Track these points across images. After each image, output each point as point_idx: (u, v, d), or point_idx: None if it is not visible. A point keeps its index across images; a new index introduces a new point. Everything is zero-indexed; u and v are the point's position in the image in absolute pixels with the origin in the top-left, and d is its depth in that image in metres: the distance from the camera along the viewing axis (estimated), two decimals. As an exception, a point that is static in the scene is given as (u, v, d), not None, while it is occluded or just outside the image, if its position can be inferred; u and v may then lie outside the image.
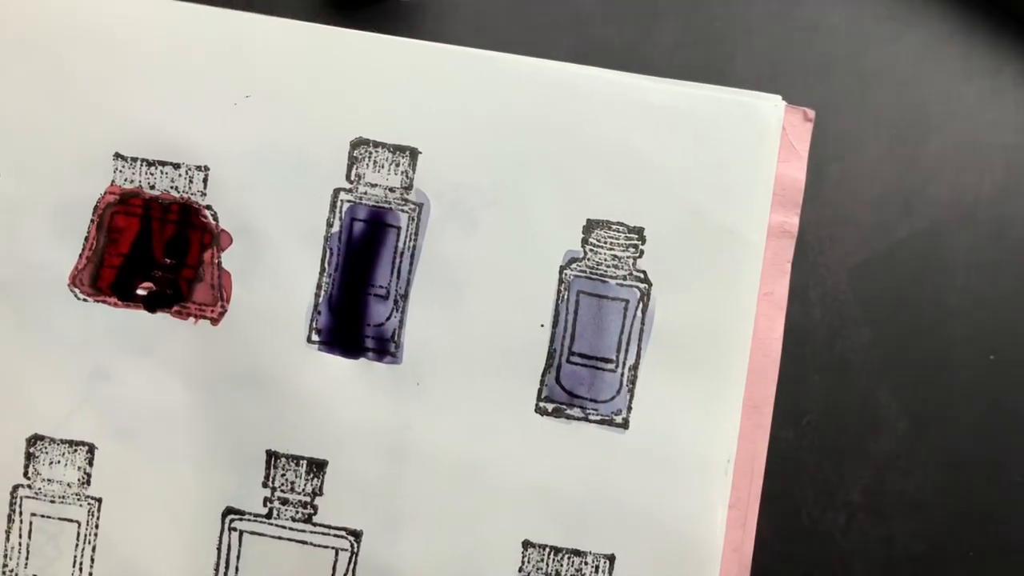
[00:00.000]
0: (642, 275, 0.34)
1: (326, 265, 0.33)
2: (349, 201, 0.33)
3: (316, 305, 0.33)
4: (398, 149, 0.33)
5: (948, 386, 0.37)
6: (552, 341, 0.34)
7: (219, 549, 0.33)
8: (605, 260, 0.34)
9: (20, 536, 0.34)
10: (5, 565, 0.34)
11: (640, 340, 0.34)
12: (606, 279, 0.34)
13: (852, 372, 0.37)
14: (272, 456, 0.33)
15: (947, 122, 0.38)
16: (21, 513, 0.34)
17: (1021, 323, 0.37)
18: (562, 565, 0.34)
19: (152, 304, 0.33)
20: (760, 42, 0.37)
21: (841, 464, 0.36)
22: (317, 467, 0.33)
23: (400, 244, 0.33)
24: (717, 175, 0.34)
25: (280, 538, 0.33)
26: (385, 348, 0.33)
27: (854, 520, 0.37)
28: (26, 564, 0.34)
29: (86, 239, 0.33)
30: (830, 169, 0.37)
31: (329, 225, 0.33)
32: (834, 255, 0.37)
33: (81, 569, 0.34)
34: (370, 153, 0.33)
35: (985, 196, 0.38)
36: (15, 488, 0.33)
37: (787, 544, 0.36)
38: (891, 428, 0.37)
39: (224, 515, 0.33)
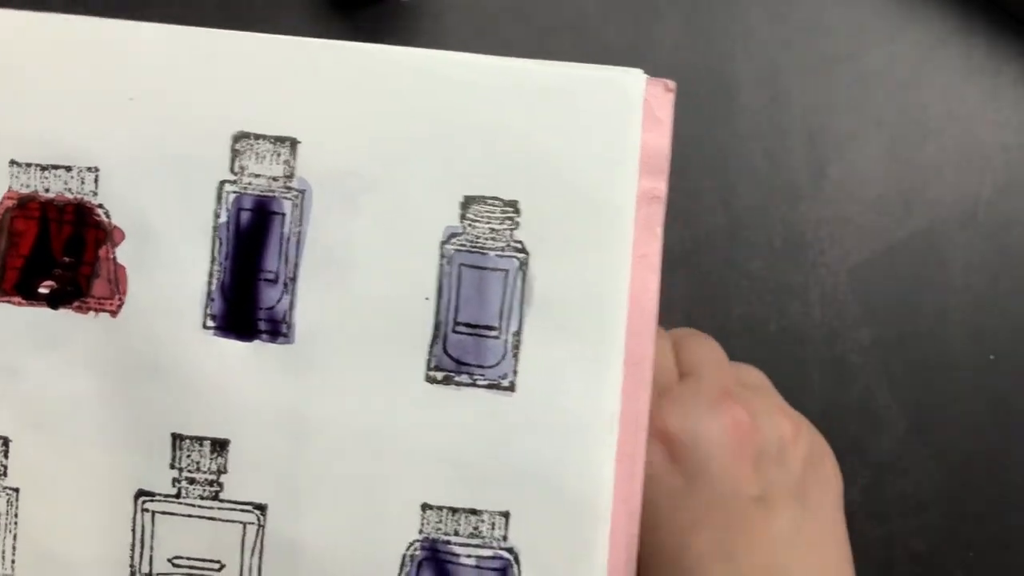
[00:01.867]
0: (519, 245, 0.35)
1: (216, 254, 0.35)
2: (234, 192, 0.35)
3: (209, 292, 0.35)
4: (278, 140, 0.35)
5: (948, 386, 0.37)
6: (437, 313, 0.35)
7: (133, 530, 0.35)
8: (483, 234, 0.35)
9: (-56, 530, 0.35)
10: (-68, 559, 0.35)
11: (521, 307, 0.35)
12: (485, 251, 0.35)
13: (852, 372, 0.38)
14: (177, 438, 0.35)
15: (947, 122, 0.38)
16: (-57, 508, 0.35)
17: (1021, 323, 0.38)
18: (460, 524, 0.35)
19: (55, 301, 0.35)
20: (760, 42, 0.38)
21: (841, 464, 0.37)
22: (220, 446, 0.35)
23: (286, 230, 0.35)
24: (585, 147, 0.36)
25: (190, 516, 0.35)
26: (277, 330, 0.35)
27: (854, 520, 0.37)
28: (-49, 557, 0.35)
29: (-12, 244, 0.35)
30: (830, 169, 0.38)
31: (217, 216, 0.35)
32: (834, 255, 0.38)
33: (3, 557, 0.35)
34: (252, 145, 0.35)
35: (985, 196, 0.39)
36: (-63, 485, 0.35)
37: None
38: (891, 428, 0.38)
39: (136, 497, 0.35)
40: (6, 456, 0.35)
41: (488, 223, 0.35)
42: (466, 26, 0.38)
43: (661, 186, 0.36)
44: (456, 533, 0.35)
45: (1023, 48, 0.39)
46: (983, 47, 0.39)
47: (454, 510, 0.35)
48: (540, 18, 0.38)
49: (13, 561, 0.35)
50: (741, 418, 0.36)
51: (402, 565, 0.35)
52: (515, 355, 0.35)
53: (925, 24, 0.39)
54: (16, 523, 0.35)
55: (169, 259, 0.35)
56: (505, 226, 0.35)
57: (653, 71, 0.36)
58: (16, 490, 0.35)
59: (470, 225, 0.35)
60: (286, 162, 0.35)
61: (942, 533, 0.37)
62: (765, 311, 0.37)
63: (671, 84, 0.36)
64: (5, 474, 0.35)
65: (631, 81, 0.36)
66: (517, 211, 0.35)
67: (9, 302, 0.35)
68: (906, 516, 0.37)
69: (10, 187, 0.35)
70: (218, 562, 0.35)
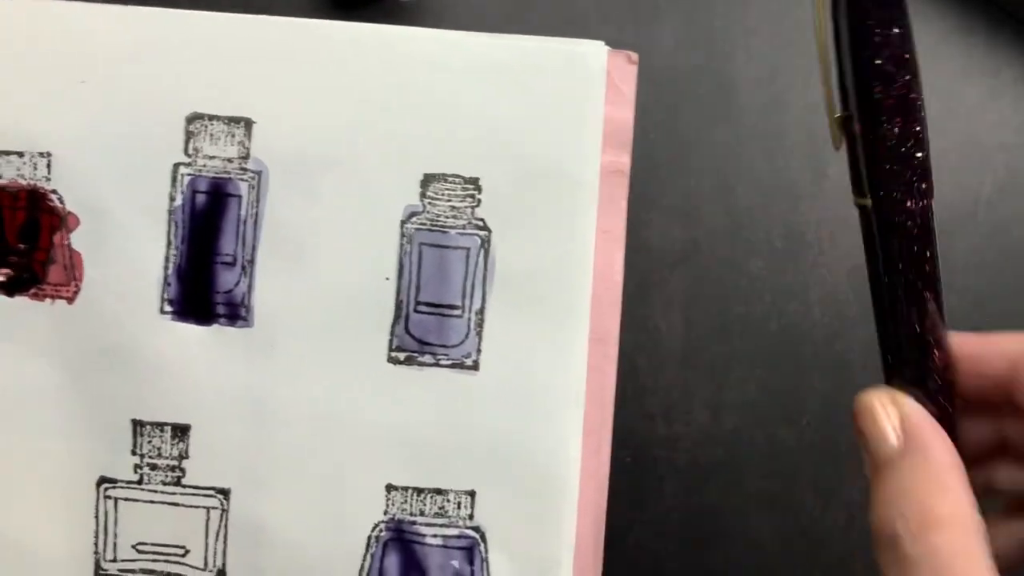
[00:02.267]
0: (481, 223, 0.35)
1: (172, 238, 0.35)
2: (189, 174, 0.35)
3: (166, 277, 0.35)
4: (232, 120, 0.35)
5: None
6: (398, 293, 0.35)
7: (96, 518, 0.35)
8: (444, 212, 0.35)
9: (-94, 522, 0.35)
10: None
11: (484, 285, 0.35)
12: (446, 229, 0.35)
13: (852, 372, 0.37)
14: (137, 424, 0.35)
15: (947, 122, 0.38)
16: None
17: (1021, 323, 0.38)
18: (425, 504, 0.35)
19: (11, 289, 0.35)
20: (760, 42, 0.38)
21: (841, 464, 0.37)
22: (181, 432, 0.35)
23: (242, 212, 0.35)
24: (546, 121, 0.35)
25: (152, 502, 0.35)
26: (236, 313, 0.35)
27: (854, 520, 0.37)
28: (-84, 549, 0.35)
29: (-60, 232, 0.35)
30: (830, 169, 0.38)
31: (172, 199, 0.35)
32: (834, 255, 0.38)
33: (-29, 551, 0.35)
34: (206, 127, 0.35)
35: (985, 196, 0.38)
36: None
37: (787, 544, 0.36)
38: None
39: (98, 484, 0.35)
40: (-34, 448, 0.35)
41: (449, 201, 0.35)
42: (464, 26, 0.37)
43: (624, 159, 0.36)
44: (422, 513, 0.35)
45: (1023, 48, 0.39)
46: (983, 47, 0.39)
47: (419, 490, 0.35)
48: (540, 18, 0.38)
49: (-22, 554, 0.35)
50: None
51: (368, 546, 0.35)
52: (479, 334, 0.35)
53: (925, 24, 0.39)
54: (-21, 516, 0.35)
55: (124, 244, 0.35)
56: (466, 204, 0.35)
57: (653, 71, 0.35)
58: (-23, 482, 0.35)
59: (430, 203, 0.35)
60: (241, 143, 0.35)
61: None
62: (765, 311, 0.37)
63: (634, 56, 0.36)
64: (-34, 466, 0.35)
65: (593, 53, 0.35)
66: (478, 188, 0.35)
67: (-37, 290, 0.35)
68: None
69: (-39, 174, 0.35)
70: (182, 547, 0.35)
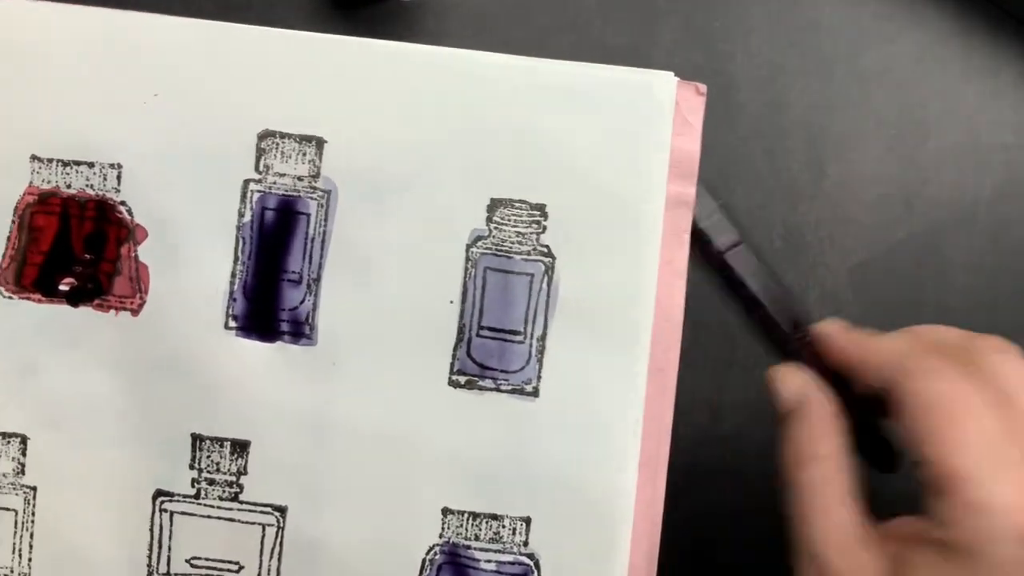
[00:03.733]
0: (546, 249, 0.35)
1: (239, 254, 0.35)
2: (259, 191, 0.35)
3: (231, 292, 0.35)
4: (304, 139, 0.35)
5: None
6: (462, 316, 0.35)
7: (151, 530, 0.35)
8: (510, 237, 0.35)
9: (-40, 527, 0.35)
10: (-53, 555, 0.35)
11: (546, 311, 0.35)
12: (511, 255, 0.35)
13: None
14: (197, 439, 0.35)
15: (947, 122, 0.38)
16: (-41, 505, 0.35)
17: (1021, 323, 0.38)
18: (480, 529, 0.35)
19: (74, 299, 0.35)
20: (760, 42, 0.38)
21: None
22: (240, 448, 0.35)
23: (310, 230, 0.35)
24: (614, 150, 0.35)
25: (208, 517, 0.35)
26: (300, 331, 0.35)
27: None
28: (-32, 553, 0.35)
29: (8, 239, 0.35)
30: (830, 169, 0.38)
31: (240, 215, 0.35)
32: (834, 255, 0.38)
33: (21, 555, 0.35)
34: (277, 144, 0.35)
35: (985, 196, 0.38)
36: (-47, 482, 0.35)
37: (787, 544, 0.36)
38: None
39: (155, 497, 0.35)
40: (24, 454, 0.35)
41: (515, 226, 0.35)
42: (466, 26, 0.37)
43: (689, 191, 0.36)
44: (477, 538, 0.35)
45: (1023, 48, 0.39)
46: (983, 47, 0.39)
47: (475, 515, 0.35)
48: (540, 18, 0.38)
49: (30, 559, 0.35)
50: None
51: (422, 569, 0.35)
52: (540, 360, 0.35)
53: (925, 24, 0.39)
54: (33, 521, 0.35)
55: (192, 258, 0.35)
56: (532, 230, 0.35)
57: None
58: (33, 488, 0.35)
59: (497, 228, 0.35)
60: (312, 161, 0.35)
61: None
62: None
63: (702, 88, 0.36)
64: (23, 472, 0.35)
65: (662, 84, 0.35)
66: (544, 215, 0.35)
67: (28, 299, 0.35)
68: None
69: (31, 182, 0.35)
70: (236, 563, 0.35)
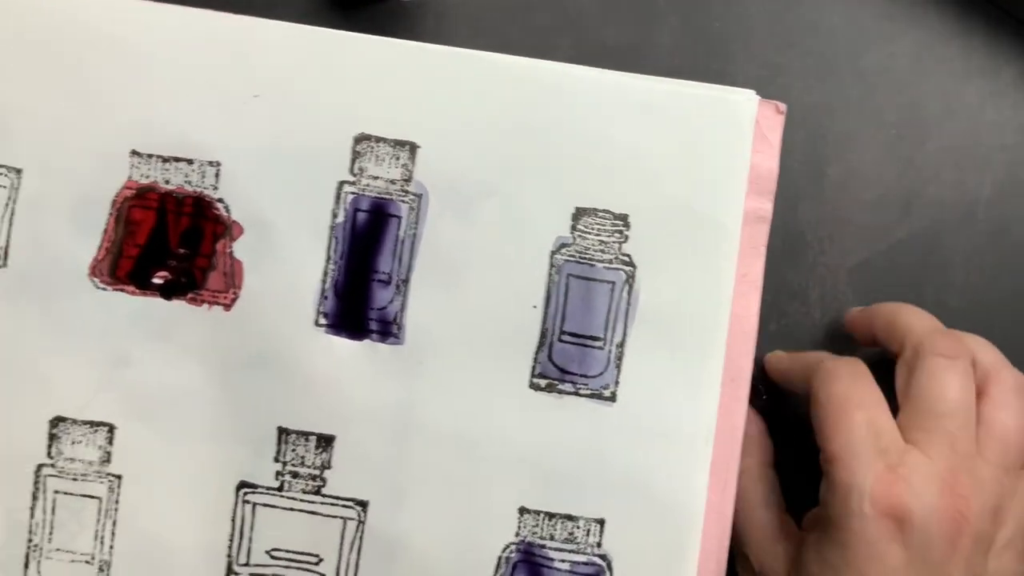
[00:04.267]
0: (627, 258, 0.36)
1: (332, 253, 0.36)
2: (353, 193, 0.36)
3: (323, 291, 0.36)
4: (398, 144, 0.36)
5: None
6: (544, 321, 0.36)
7: (233, 520, 0.36)
8: (593, 245, 0.36)
9: (44, 512, 0.36)
10: (30, 540, 0.36)
11: (626, 319, 0.36)
12: (594, 263, 0.36)
13: None
14: (283, 432, 0.36)
15: (947, 122, 0.38)
16: (45, 491, 0.35)
17: (1021, 323, 0.38)
18: (556, 529, 0.36)
19: (168, 292, 0.35)
20: (760, 42, 0.38)
21: None
22: (326, 442, 0.36)
23: (401, 233, 0.36)
24: (696, 165, 0.36)
25: (291, 509, 0.36)
26: (388, 330, 0.36)
27: None
28: (50, 539, 0.36)
29: (104, 232, 0.35)
30: (830, 169, 0.38)
31: (334, 216, 0.36)
32: (834, 255, 0.38)
33: (103, 542, 0.36)
34: (372, 148, 0.36)
35: (985, 196, 0.39)
36: (39, 467, 0.35)
37: None
38: None
39: (238, 488, 0.36)
40: (111, 443, 0.36)
41: (598, 235, 0.36)
42: (466, 26, 0.38)
43: (767, 207, 0.37)
44: (552, 537, 0.36)
45: (1023, 48, 0.40)
46: (983, 47, 0.39)
47: (551, 515, 0.36)
48: (540, 18, 0.38)
49: (111, 547, 0.36)
50: (963, 508, 0.34)
51: (497, 566, 0.36)
52: (618, 366, 0.36)
53: (925, 24, 0.39)
54: (116, 509, 0.36)
55: (285, 256, 0.35)
56: (614, 239, 0.36)
57: (653, 71, 0.36)
58: (119, 477, 0.36)
59: (580, 236, 0.36)
60: (404, 166, 0.36)
61: None
62: (765, 311, 0.37)
63: (782, 107, 0.37)
64: (108, 460, 0.36)
65: (744, 102, 0.36)
66: (627, 224, 0.36)
67: (123, 290, 0.35)
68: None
69: (130, 176, 0.35)
70: (316, 556, 0.36)
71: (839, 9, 0.39)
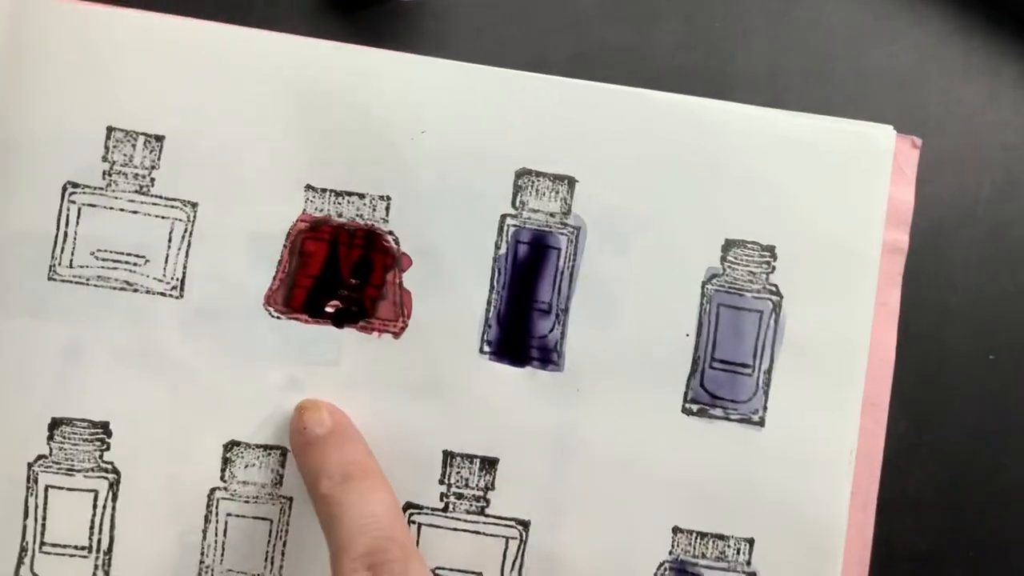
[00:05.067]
0: (774, 288, 0.38)
1: (495, 283, 0.37)
2: (514, 225, 0.37)
3: (487, 319, 0.37)
4: (557, 178, 0.37)
5: (948, 386, 0.38)
6: (696, 349, 0.37)
7: (400, 541, 0.37)
8: (742, 276, 0.38)
9: (216, 535, 0.37)
10: (202, 562, 0.37)
11: (773, 347, 0.38)
12: (743, 293, 0.38)
13: None
14: (448, 456, 0.37)
15: (947, 122, 0.39)
16: (217, 514, 0.37)
17: (1021, 323, 0.38)
18: (707, 548, 0.37)
19: (339, 320, 0.37)
20: (760, 42, 0.38)
21: None
22: (489, 464, 0.37)
23: (560, 264, 0.37)
24: (838, 197, 0.38)
25: (456, 529, 0.37)
26: (548, 358, 0.37)
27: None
28: (221, 560, 0.37)
29: (279, 263, 0.37)
30: None
31: (497, 247, 0.37)
32: None
33: (272, 563, 0.37)
34: (532, 182, 0.37)
35: (985, 196, 0.39)
36: (212, 491, 0.37)
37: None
38: (891, 428, 0.38)
39: (404, 509, 0.37)
40: (283, 466, 0.37)
41: (747, 266, 0.38)
42: (467, 26, 0.38)
43: (904, 238, 0.38)
44: (703, 556, 0.37)
45: (1022, 48, 0.40)
46: (983, 47, 0.40)
47: (703, 534, 0.37)
48: (540, 18, 0.38)
49: (281, 567, 0.37)
50: None
51: (652, 584, 0.37)
52: (765, 392, 0.38)
53: (925, 24, 0.39)
54: (287, 531, 0.37)
55: (451, 286, 0.37)
56: (762, 269, 0.38)
57: (653, 71, 0.36)
58: (290, 499, 0.37)
59: (730, 267, 0.38)
60: (563, 199, 0.37)
61: (942, 533, 0.38)
62: None
63: (917, 141, 0.38)
64: (280, 483, 0.37)
65: (882, 136, 0.38)
66: (774, 256, 0.38)
67: (296, 319, 0.37)
68: (906, 516, 0.38)
69: (304, 210, 0.37)
70: (479, 574, 0.37)
71: (839, 9, 0.40)
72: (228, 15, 0.37)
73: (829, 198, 0.38)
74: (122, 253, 0.36)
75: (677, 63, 0.38)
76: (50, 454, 0.36)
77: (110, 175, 0.36)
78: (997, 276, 0.39)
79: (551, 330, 0.37)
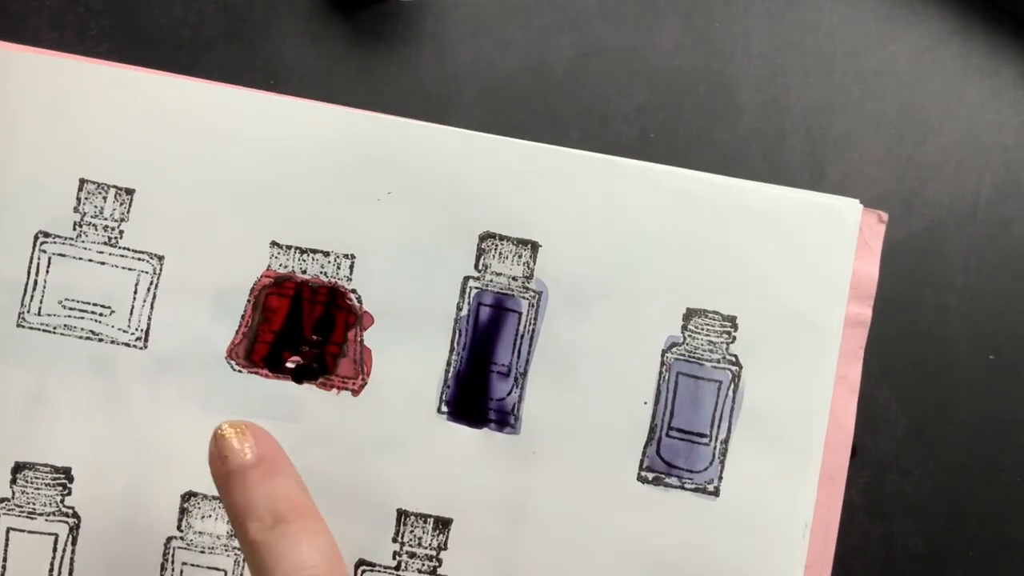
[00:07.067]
0: (734, 359, 0.38)
1: (455, 345, 0.37)
2: (477, 288, 0.37)
3: (446, 380, 0.37)
4: (521, 243, 0.37)
5: (948, 386, 0.38)
6: (654, 417, 0.38)
7: (351, 597, 0.37)
8: (702, 345, 0.38)
9: (171, 582, 0.37)
10: (155, 608, 0.37)
11: (731, 417, 0.38)
12: (702, 362, 0.38)
13: None
14: (402, 514, 0.37)
15: (947, 122, 0.39)
16: (173, 562, 0.37)
17: (1021, 323, 0.38)
18: (659, 617, 0.37)
19: (299, 377, 0.37)
20: (760, 42, 0.39)
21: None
22: (443, 524, 0.37)
23: (521, 327, 0.38)
24: (801, 270, 0.38)
25: None
26: (506, 420, 0.37)
27: (854, 520, 0.39)
28: (175, 607, 0.37)
29: (243, 317, 0.37)
30: (830, 169, 0.39)
31: (459, 309, 0.37)
32: None
33: (226, 613, 0.37)
34: (496, 246, 0.37)
35: (985, 196, 0.39)
36: (168, 540, 0.37)
37: None
38: (891, 428, 0.38)
39: (356, 566, 0.37)
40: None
41: (707, 335, 0.38)
42: (466, 26, 0.38)
43: (866, 312, 0.38)
44: (654, 625, 0.37)
45: (1022, 48, 0.40)
46: (982, 47, 0.40)
47: (654, 603, 0.37)
48: (540, 18, 0.38)
49: (234, 617, 0.37)
50: None
51: (601, 650, 0.37)
52: (722, 462, 0.38)
53: (925, 25, 0.39)
54: (241, 581, 0.37)
55: (412, 345, 0.37)
56: (723, 339, 0.38)
57: (653, 71, 0.36)
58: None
59: (691, 336, 0.38)
60: (527, 263, 0.37)
61: (942, 533, 0.38)
62: None
63: (884, 216, 0.39)
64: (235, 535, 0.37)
65: (849, 210, 0.38)
66: (735, 326, 0.38)
67: (257, 373, 0.37)
68: (906, 516, 0.38)
69: (269, 266, 0.37)
70: (429, 634, 0.37)
71: (839, 9, 0.40)
72: (228, 16, 0.37)
73: (793, 270, 0.38)
74: (88, 303, 0.37)
75: (677, 63, 0.39)
76: (12, 497, 0.37)
77: (80, 226, 0.37)
78: (997, 276, 0.39)
79: (509, 393, 0.37)
